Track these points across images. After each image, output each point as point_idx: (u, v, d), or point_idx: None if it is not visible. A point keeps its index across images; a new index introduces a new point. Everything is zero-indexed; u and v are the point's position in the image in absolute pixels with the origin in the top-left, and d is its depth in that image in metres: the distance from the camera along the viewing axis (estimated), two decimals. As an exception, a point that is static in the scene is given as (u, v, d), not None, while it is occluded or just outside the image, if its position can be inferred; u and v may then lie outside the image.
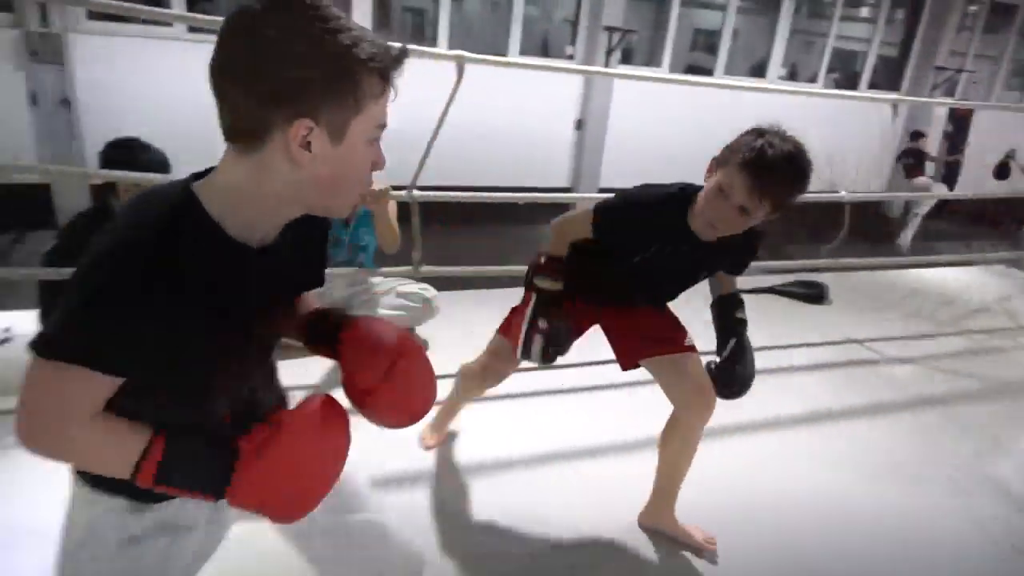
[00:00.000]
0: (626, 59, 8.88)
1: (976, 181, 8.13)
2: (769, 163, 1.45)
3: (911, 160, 8.82)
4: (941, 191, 7.70)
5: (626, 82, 8.12)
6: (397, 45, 0.86)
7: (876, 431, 2.64)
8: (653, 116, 8.25)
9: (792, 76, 9.43)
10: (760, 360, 2.92)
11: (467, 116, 7.20)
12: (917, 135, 8.73)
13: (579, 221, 1.67)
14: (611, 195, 1.73)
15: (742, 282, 3.73)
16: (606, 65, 7.71)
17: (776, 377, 2.95)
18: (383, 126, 0.88)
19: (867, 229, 9.05)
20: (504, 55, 7.49)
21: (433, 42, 7.37)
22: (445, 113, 2.62)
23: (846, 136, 9.58)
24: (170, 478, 0.85)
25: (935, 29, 9.49)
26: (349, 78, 0.81)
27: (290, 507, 0.91)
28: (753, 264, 1.90)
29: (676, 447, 1.81)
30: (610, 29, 7.59)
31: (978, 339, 3.56)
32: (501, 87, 7.22)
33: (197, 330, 0.84)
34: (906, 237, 8.58)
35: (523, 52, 7.56)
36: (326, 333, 1.05)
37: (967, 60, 10.21)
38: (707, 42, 10.28)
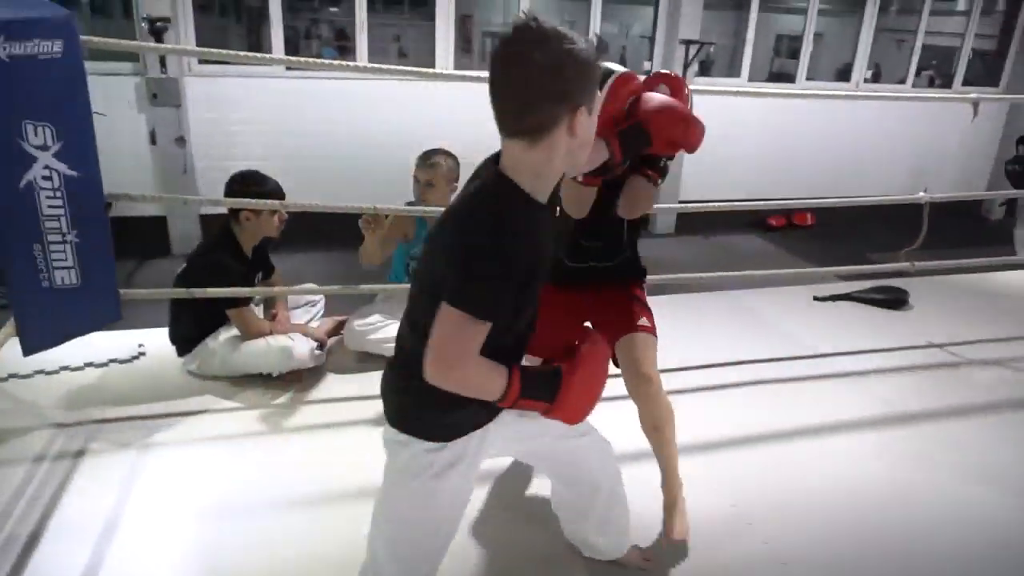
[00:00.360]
0: (704, 71, 8.89)
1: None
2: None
3: (1018, 167, 8.44)
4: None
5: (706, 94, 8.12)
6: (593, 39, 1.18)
7: (960, 431, 2.62)
8: (733, 126, 8.22)
9: (876, 78, 9.14)
10: (834, 365, 2.97)
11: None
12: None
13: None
14: None
15: (819, 291, 3.75)
16: (683, 76, 7.74)
17: (851, 380, 2.96)
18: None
19: (962, 232, 8.68)
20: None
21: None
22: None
23: (936, 137, 9.20)
24: (526, 395, 1.24)
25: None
26: (594, 75, 1.16)
27: (580, 413, 1.32)
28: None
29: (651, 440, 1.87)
30: (686, 42, 7.63)
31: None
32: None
33: (532, 279, 1.19)
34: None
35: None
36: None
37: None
38: (790, 47, 10.13)
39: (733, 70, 9.15)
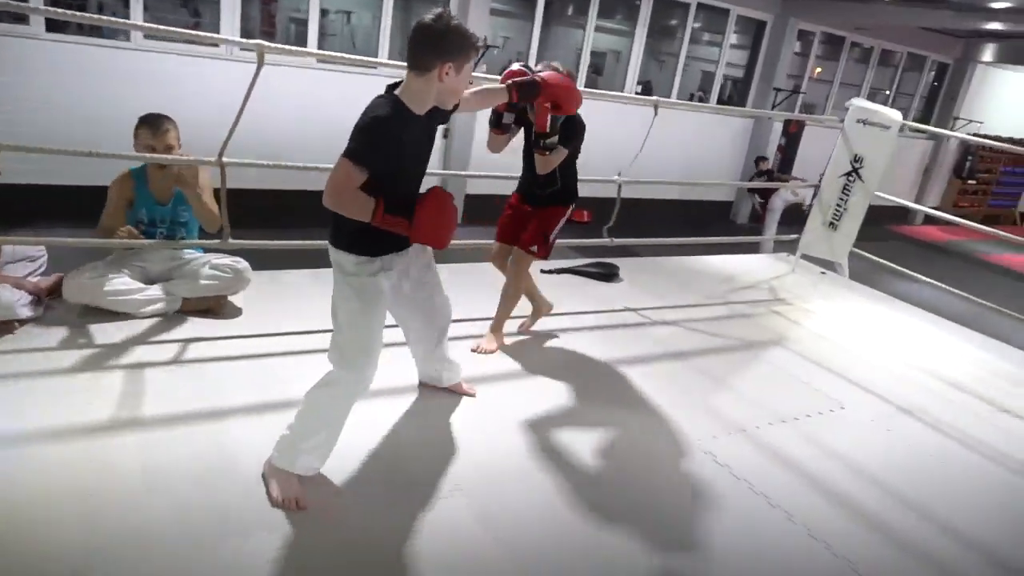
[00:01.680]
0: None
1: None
2: None
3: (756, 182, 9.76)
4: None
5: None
6: (481, 38, 2.13)
7: (632, 375, 3.17)
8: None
9: (647, 93, 10.27)
10: (550, 324, 3.43)
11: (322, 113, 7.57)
12: (760, 160, 9.66)
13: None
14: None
15: (546, 265, 4.23)
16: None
17: (559, 337, 3.45)
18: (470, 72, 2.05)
19: (714, 232, 9.99)
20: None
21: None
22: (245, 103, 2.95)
23: (702, 149, 10.50)
24: (389, 214, 1.92)
25: (774, 55, 10.55)
26: (467, 48, 1.97)
27: (435, 233, 2.02)
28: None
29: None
30: (474, 44, 8.10)
31: (737, 307, 4.20)
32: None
33: (399, 151, 1.94)
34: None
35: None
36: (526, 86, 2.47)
37: (803, 82, 11.39)
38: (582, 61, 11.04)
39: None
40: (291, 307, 3.29)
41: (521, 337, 3.40)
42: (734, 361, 3.49)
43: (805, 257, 5.10)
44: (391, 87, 2.02)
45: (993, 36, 11.96)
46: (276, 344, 2.96)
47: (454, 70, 1.95)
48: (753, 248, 7.32)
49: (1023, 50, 12.05)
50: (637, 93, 10.02)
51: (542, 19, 8.88)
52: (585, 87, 10.01)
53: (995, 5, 8.62)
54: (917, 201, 13.86)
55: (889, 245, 10.46)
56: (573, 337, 3.48)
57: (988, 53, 12.54)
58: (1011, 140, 14.29)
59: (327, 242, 2.09)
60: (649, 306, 4.00)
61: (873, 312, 4.61)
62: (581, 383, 3.03)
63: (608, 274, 4.27)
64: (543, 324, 3.54)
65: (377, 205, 1.92)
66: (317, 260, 2.84)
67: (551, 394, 2.91)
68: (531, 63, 8.85)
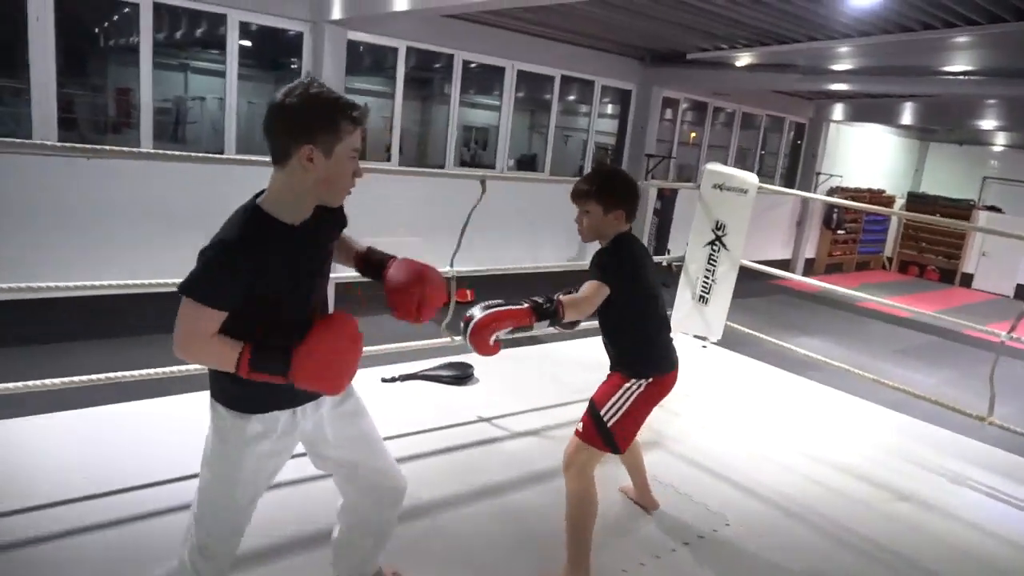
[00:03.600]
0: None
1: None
2: None
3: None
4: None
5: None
6: (362, 102, 1.58)
7: (466, 515, 2.58)
8: (383, 206, 8.39)
9: (529, 167, 10.13)
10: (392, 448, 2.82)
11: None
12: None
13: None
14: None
15: (395, 371, 3.63)
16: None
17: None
18: (357, 150, 1.59)
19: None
20: (221, 153, 7.24)
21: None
22: None
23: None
24: (256, 367, 1.49)
25: (642, 122, 10.65)
26: (336, 120, 1.51)
27: (323, 378, 1.55)
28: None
29: None
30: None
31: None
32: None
33: (266, 278, 1.49)
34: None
35: (242, 151, 7.34)
36: (374, 265, 1.90)
37: (673, 147, 11.57)
38: (479, 137, 10.85)
39: (411, 157, 9.48)
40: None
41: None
42: (601, 478, 2.96)
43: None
44: (258, 194, 1.59)
45: (840, 97, 12.68)
46: None
47: (321, 153, 1.50)
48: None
49: (867, 108, 12.84)
50: (511, 168, 9.80)
51: (413, 96, 8.57)
52: (464, 163, 9.78)
53: (836, 67, 9.01)
54: (794, 253, 14.30)
55: (771, 300, 10.54)
56: (411, 468, 2.86)
57: (838, 112, 13.28)
58: (869, 190, 15.14)
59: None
60: (506, 412, 3.45)
61: (758, 389, 4.26)
62: (412, 532, 2.41)
63: (461, 376, 3.72)
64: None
65: (242, 353, 1.49)
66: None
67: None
68: (394, 140, 8.52)
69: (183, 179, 6.70)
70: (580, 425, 2.28)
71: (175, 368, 2.91)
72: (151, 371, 2.93)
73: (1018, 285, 14.24)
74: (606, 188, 2.25)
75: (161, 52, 7.30)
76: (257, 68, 8.68)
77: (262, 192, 1.59)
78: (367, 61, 8.74)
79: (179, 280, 1.50)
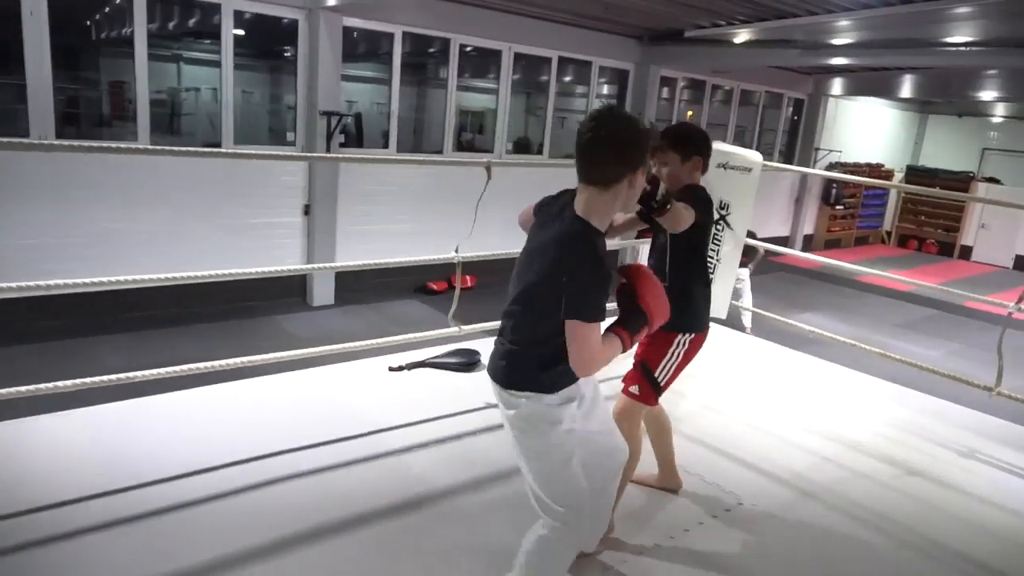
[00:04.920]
0: (357, 142, 8.99)
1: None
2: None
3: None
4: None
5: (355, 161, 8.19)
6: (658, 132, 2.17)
7: (476, 501, 2.59)
8: (385, 192, 8.35)
9: (525, 150, 10.09)
10: (399, 439, 2.82)
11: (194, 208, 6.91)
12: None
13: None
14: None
15: (402, 360, 3.63)
16: (327, 148, 7.66)
17: (394, 459, 2.84)
18: None
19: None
20: (218, 145, 7.21)
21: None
22: None
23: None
24: (634, 335, 1.80)
25: (640, 102, 10.59)
26: (648, 151, 1.76)
27: (667, 311, 1.84)
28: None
29: None
30: (327, 113, 7.58)
31: (616, 384, 3.72)
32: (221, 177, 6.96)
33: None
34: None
35: (240, 141, 7.31)
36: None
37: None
38: (475, 123, 10.87)
39: (409, 143, 9.45)
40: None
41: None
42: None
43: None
44: (571, 202, 1.76)
45: (839, 71, 12.59)
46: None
47: (640, 176, 1.74)
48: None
49: (866, 81, 12.74)
50: (509, 152, 9.75)
51: (409, 82, 8.51)
52: (462, 148, 9.75)
53: (836, 42, 8.93)
54: (793, 230, 14.28)
55: (772, 277, 10.53)
56: (421, 456, 2.88)
57: (837, 87, 13.18)
58: (868, 165, 15.07)
59: (503, 390, 1.83)
60: (515, 398, 3.46)
61: (763, 368, 4.27)
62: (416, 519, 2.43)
63: (468, 363, 3.72)
64: (386, 441, 2.93)
65: (622, 337, 1.79)
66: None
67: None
68: (391, 126, 8.48)
69: (184, 171, 6.69)
70: (634, 387, 2.42)
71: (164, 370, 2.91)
72: (164, 370, 2.93)
73: (1017, 256, 14.22)
74: (683, 138, 2.37)
75: (155, 43, 7.24)
76: (252, 57, 8.62)
77: (571, 198, 1.77)
78: (363, 47, 8.67)
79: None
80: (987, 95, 12.08)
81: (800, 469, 3.04)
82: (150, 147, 2.86)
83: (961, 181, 15.17)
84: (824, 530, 2.62)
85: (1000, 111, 15.37)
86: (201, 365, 2.89)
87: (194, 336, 6.49)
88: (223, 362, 2.95)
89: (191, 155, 2.82)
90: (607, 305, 1.71)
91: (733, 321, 5.53)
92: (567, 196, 1.81)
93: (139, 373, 2.77)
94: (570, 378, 1.80)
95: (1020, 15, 6.50)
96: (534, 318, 1.78)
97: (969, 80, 11.45)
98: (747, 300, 7.56)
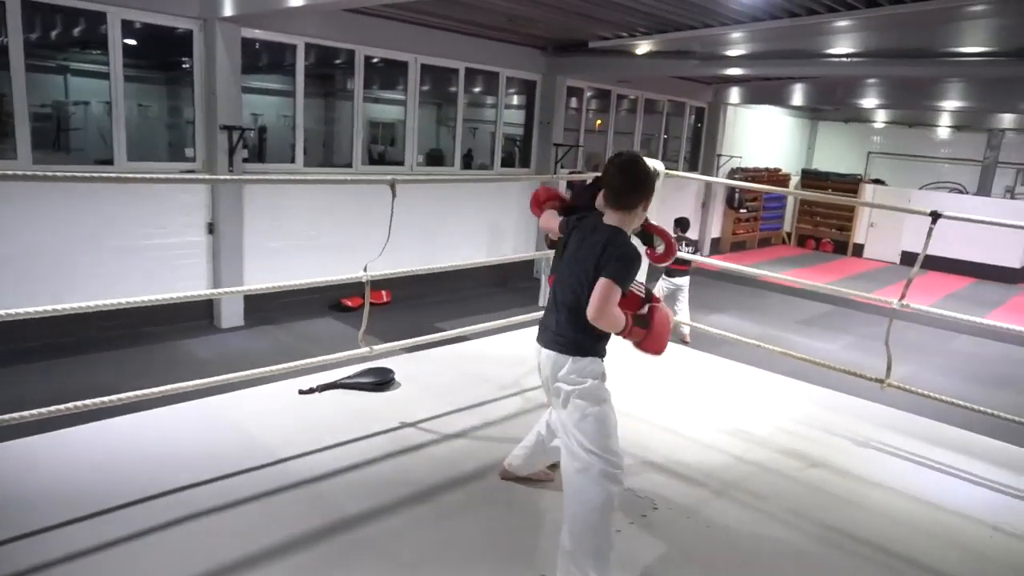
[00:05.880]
0: (260, 156, 8.70)
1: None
2: None
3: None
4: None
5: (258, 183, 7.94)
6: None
7: (392, 525, 2.53)
8: (287, 210, 8.12)
9: (437, 162, 10.04)
10: (289, 472, 2.71)
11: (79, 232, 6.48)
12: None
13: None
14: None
15: (312, 382, 3.49)
16: (230, 164, 7.38)
17: (302, 490, 2.74)
18: None
19: (524, 296, 9.79)
20: (111, 161, 6.82)
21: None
22: None
23: (498, 213, 10.41)
24: (632, 331, 2.31)
25: (548, 112, 10.73)
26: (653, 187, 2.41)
27: (662, 343, 2.42)
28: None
29: None
30: (227, 128, 7.30)
31: (531, 396, 3.74)
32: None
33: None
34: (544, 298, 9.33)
35: (134, 158, 6.94)
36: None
37: (580, 136, 11.73)
38: (386, 135, 10.70)
39: (317, 157, 9.20)
40: None
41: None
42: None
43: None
44: (600, 221, 2.34)
45: (735, 81, 13.17)
46: None
47: (648, 202, 2.38)
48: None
49: (760, 90, 13.40)
50: (420, 164, 9.67)
51: (316, 94, 8.30)
52: (373, 161, 9.61)
53: (731, 53, 9.34)
54: (701, 234, 14.79)
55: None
56: (333, 483, 2.79)
57: (734, 96, 13.79)
58: (767, 169, 15.83)
59: (559, 356, 2.30)
60: (430, 415, 3.41)
61: (672, 371, 4.38)
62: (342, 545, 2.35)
63: (381, 382, 3.64)
64: (295, 469, 2.83)
65: (627, 319, 2.27)
66: None
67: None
68: (297, 140, 8.25)
69: (71, 190, 6.29)
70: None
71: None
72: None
73: (903, 252, 15.24)
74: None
75: (37, 54, 6.80)
76: (146, 69, 8.22)
77: (588, 218, 2.40)
78: (264, 59, 8.42)
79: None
80: (869, 102, 12.92)
81: (711, 469, 3.13)
82: (18, 173, 2.63)
83: (850, 183, 16.15)
84: (738, 527, 2.70)
85: (882, 117, 16.47)
86: (95, 400, 2.69)
87: (89, 366, 6.10)
88: (119, 396, 2.77)
89: (71, 180, 2.62)
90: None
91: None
92: (593, 217, 2.38)
93: (26, 413, 2.55)
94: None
95: (896, 27, 6.98)
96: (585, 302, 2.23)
97: (853, 88, 12.22)
98: (684, 311, 7.71)
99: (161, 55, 7.99)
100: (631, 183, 2.29)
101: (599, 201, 2.39)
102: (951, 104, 12.01)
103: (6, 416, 2.50)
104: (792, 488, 3.03)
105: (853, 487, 3.09)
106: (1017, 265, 14.32)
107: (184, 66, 7.38)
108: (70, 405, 2.65)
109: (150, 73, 8.46)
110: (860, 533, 2.72)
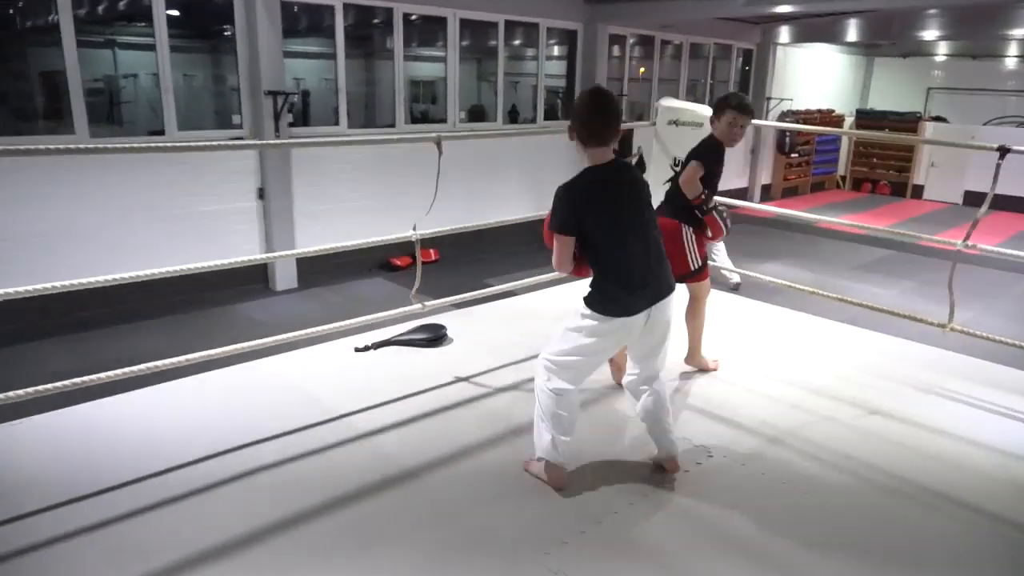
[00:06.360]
0: (305, 120, 8.77)
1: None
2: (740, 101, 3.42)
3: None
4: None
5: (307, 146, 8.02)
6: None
7: (459, 472, 2.60)
8: (340, 171, 8.20)
9: (478, 118, 9.96)
10: (352, 426, 2.80)
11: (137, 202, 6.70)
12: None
13: (694, 171, 3.27)
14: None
15: (367, 340, 3.56)
16: (276, 129, 7.47)
17: (364, 442, 2.82)
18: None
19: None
20: (161, 132, 6.98)
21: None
22: None
23: (543, 165, 10.31)
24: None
25: (591, 62, 10.50)
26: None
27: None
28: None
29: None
30: (272, 93, 7.37)
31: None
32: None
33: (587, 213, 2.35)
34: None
35: (184, 128, 7.08)
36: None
37: (624, 84, 11.46)
38: (427, 92, 10.67)
39: (360, 118, 9.23)
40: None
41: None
42: (582, 422, 3.00)
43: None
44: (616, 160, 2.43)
45: (785, 19, 12.62)
46: None
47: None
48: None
49: (812, 28, 12.81)
50: (463, 120, 9.61)
51: (356, 55, 8.29)
52: (416, 120, 9.60)
53: (781, -11, 8.93)
54: (751, 181, 14.42)
55: (733, 229, 10.64)
56: (391, 437, 2.87)
57: (784, 35, 13.23)
58: (819, 111, 15.22)
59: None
60: (482, 369, 3.46)
61: (727, 319, 4.33)
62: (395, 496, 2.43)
63: (434, 338, 3.70)
64: (354, 425, 2.92)
65: (572, 265, 2.52)
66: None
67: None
68: (340, 102, 8.27)
69: (125, 163, 6.47)
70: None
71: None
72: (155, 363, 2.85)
73: (966, 192, 14.58)
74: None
75: (86, 30, 6.93)
76: (190, 39, 8.31)
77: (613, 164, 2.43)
78: (305, 22, 8.42)
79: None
80: (928, 35, 12.24)
81: (766, 417, 3.11)
82: (81, 147, 2.72)
83: (908, 122, 15.43)
84: (793, 475, 2.69)
85: (942, 50, 15.60)
86: (159, 363, 2.82)
87: (150, 332, 6.34)
88: (181, 358, 2.89)
89: (130, 151, 2.70)
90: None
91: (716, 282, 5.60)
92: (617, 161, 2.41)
93: (94, 376, 2.69)
94: None
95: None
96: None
97: (910, 20, 11.57)
98: (722, 256, 7.61)
99: (204, 24, 8.05)
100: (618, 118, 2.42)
101: None
102: (1020, 32, 11.28)
103: (77, 379, 2.64)
104: (849, 436, 2.99)
105: (912, 433, 3.04)
106: (1091, 201, 13.58)
107: (226, 34, 7.45)
108: (135, 367, 2.78)
109: (194, 43, 8.56)
110: (920, 479, 2.67)
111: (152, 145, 5.62)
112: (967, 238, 3.42)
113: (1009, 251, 3.56)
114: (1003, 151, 3.25)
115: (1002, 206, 12.91)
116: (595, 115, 2.32)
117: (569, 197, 2.33)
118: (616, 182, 2.36)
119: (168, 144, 3.00)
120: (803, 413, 3.17)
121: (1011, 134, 14.01)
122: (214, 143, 6.87)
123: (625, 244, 2.34)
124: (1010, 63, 15.61)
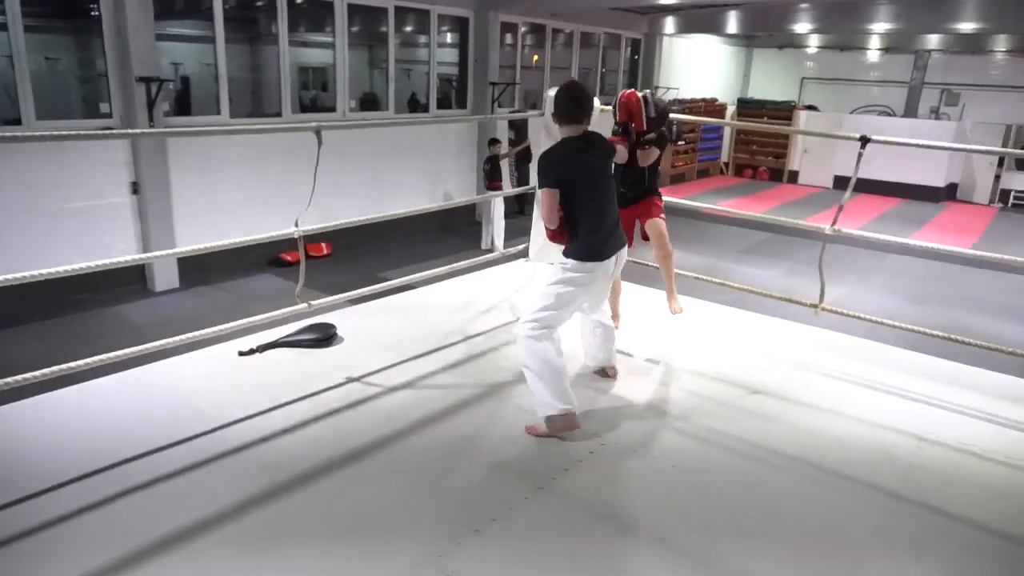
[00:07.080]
0: (184, 109, 8.27)
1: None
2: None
3: (488, 166, 9.57)
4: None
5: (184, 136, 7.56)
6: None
7: (340, 481, 2.53)
8: (223, 163, 7.80)
9: (371, 106, 9.73)
10: (230, 437, 2.65)
11: None
12: (493, 142, 9.49)
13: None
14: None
15: (243, 345, 3.39)
16: (150, 118, 7.01)
17: (239, 456, 2.70)
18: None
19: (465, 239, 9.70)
20: (18, 121, 6.40)
21: None
22: None
23: (438, 154, 10.20)
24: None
25: (483, 50, 10.46)
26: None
27: None
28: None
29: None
30: (145, 79, 6.91)
31: (476, 343, 3.74)
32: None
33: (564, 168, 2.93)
34: (487, 241, 9.30)
35: (44, 116, 6.52)
36: None
37: (517, 73, 11.52)
38: (317, 80, 10.28)
39: (245, 106, 8.77)
40: None
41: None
42: (477, 418, 3.00)
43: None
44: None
45: (670, 10, 13.04)
46: None
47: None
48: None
49: (695, 19, 13.31)
50: (354, 109, 9.37)
51: (239, 39, 7.87)
52: (304, 108, 9.23)
53: (665, -19, 9.21)
54: (642, 168, 14.83)
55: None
56: (282, 444, 2.76)
57: (669, 25, 13.68)
58: (703, 100, 15.87)
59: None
60: (375, 368, 3.38)
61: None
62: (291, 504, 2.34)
63: (324, 337, 3.58)
64: (238, 434, 2.79)
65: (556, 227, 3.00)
66: None
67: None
68: (221, 89, 7.84)
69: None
70: (661, 213, 3.72)
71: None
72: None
73: (836, 176, 15.63)
74: None
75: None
76: (51, 18, 7.65)
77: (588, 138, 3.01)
78: (180, 2, 7.93)
79: None
80: (801, 27, 12.98)
81: (653, 401, 3.20)
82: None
83: (784, 110, 16.35)
84: (681, 456, 2.79)
85: (814, 41, 16.61)
86: (24, 376, 2.57)
87: (16, 339, 5.85)
88: (49, 369, 2.64)
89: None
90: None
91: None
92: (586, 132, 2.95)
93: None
94: None
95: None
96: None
97: (785, 13, 12.25)
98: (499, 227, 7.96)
99: (65, 3, 7.44)
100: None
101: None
102: (880, 26, 12.16)
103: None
104: (733, 416, 3.13)
105: (792, 411, 3.21)
106: (941, 184, 14.86)
107: (93, 13, 6.90)
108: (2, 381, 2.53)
109: (56, 23, 7.88)
110: (799, 453, 2.83)
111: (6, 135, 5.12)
112: (834, 222, 3.64)
113: (869, 233, 3.82)
114: (864, 140, 3.47)
115: (866, 189, 13.94)
116: (570, 103, 2.92)
117: (550, 157, 2.92)
118: (587, 146, 2.96)
119: (24, 135, 2.73)
120: (690, 396, 3.29)
121: (875, 122, 15.12)
122: (74, 132, 6.37)
123: (596, 193, 2.91)
124: (872, 56, 16.82)
